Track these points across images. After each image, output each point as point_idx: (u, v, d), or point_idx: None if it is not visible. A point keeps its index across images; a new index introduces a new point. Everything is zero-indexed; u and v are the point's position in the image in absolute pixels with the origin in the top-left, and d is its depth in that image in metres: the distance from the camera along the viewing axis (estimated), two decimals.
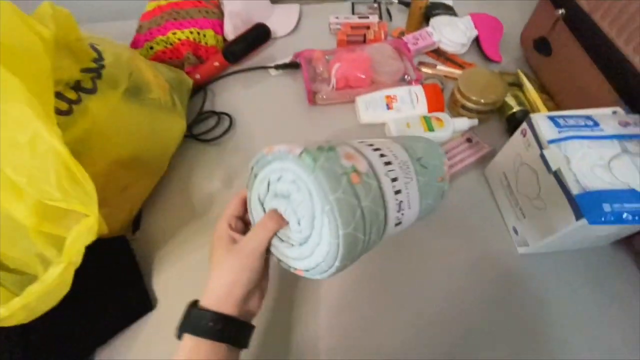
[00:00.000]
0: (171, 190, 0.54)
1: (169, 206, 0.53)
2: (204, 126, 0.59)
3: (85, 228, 0.29)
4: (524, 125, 0.42)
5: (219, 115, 0.60)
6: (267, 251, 0.31)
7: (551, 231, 0.39)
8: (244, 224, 0.35)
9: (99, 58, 0.40)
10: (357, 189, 0.27)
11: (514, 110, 0.56)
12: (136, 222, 0.51)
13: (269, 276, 0.34)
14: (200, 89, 0.63)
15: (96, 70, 0.39)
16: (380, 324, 0.43)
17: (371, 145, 0.33)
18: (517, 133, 0.44)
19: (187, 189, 0.54)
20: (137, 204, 0.49)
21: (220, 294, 0.30)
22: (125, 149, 0.43)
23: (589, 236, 0.40)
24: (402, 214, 0.32)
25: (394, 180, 0.31)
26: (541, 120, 0.40)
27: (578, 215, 0.35)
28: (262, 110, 0.62)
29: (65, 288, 0.32)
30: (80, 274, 0.40)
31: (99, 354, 0.43)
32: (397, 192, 0.31)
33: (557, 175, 0.37)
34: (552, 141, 0.39)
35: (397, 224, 0.32)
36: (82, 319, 0.41)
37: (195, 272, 0.48)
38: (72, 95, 0.38)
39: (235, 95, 0.64)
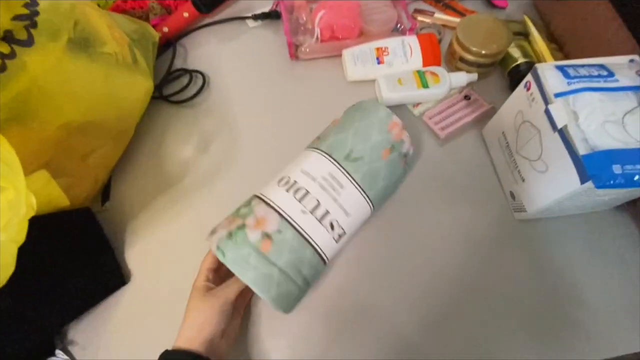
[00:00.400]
0: (142, 158, 0.50)
1: (140, 175, 0.49)
2: (174, 86, 0.54)
3: (5, 203, 0.25)
4: (529, 76, 0.37)
5: (191, 73, 0.54)
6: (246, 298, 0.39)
7: (552, 196, 0.36)
8: (219, 277, 0.38)
9: (32, 2, 0.34)
10: (269, 255, 0.32)
11: (518, 62, 0.50)
12: (105, 193, 0.48)
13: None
14: (169, 44, 0.56)
15: (29, 17, 0.33)
16: (373, 300, 0.41)
17: (285, 181, 0.35)
18: (521, 87, 0.39)
19: (159, 156, 0.50)
20: (102, 173, 0.45)
21: (191, 334, 0.33)
22: (76, 111, 0.38)
23: (592, 201, 0.37)
24: (342, 229, 0.35)
25: (315, 209, 0.34)
26: (548, 70, 0.35)
27: (584, 178, 0.31)
28: (239, 67, 0.56)
29: (8, 268, 0.29)
30: (44, 249, 0.37)
31: (73, 329, 0.41)
32: (323, 216, 0.34)
33: (563, 133, 0.33)
34: (559, 94, 0.34)
35: (338, 239, 0.35)
36: (49, 294, 0.38)
37: (171, 243, 0.45)
38: (3, 48, 0.32)
39: (209, 50, 0.58)
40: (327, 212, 0.34)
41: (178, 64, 0.56)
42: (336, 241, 0.35)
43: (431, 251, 0.42)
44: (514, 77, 0.50)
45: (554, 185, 0.35)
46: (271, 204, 0.34)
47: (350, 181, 0.35)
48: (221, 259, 0.32)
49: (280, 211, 0.34)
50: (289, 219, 0.33)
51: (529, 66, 0.50)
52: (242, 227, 0.33)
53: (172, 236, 0.45)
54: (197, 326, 0.33)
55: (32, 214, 0.27)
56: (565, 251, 0.42)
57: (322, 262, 0.35)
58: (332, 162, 0.36)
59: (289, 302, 0.34)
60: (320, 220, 0.34)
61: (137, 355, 0.39)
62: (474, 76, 0.51)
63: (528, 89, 0.37)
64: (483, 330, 0.39)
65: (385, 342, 0.39)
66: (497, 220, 0.44)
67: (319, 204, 0.34)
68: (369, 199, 0.37)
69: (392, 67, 0.52)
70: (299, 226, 0.33)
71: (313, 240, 0.34)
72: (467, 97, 0.51)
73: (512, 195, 0.43)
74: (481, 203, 0.45)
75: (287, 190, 0.35)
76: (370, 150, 0.37)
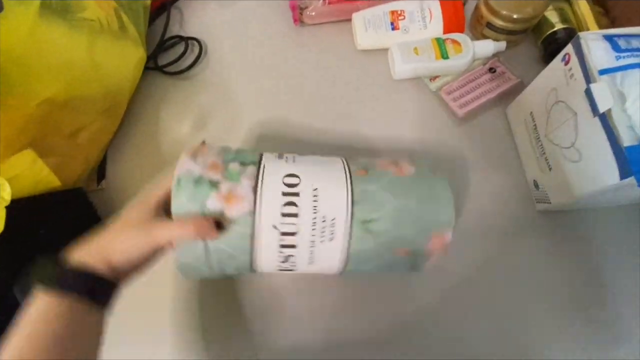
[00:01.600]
0: (137, 134, 0.47)
1: (136, 152, 0.47)
2: (170, 56, 0.50)
3: None
4: (569, 47, 0.32)
5: (187, 41, 0.50)
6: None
7: (583, 189, 0.32)
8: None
9: None
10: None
11: (555, 29, 0.44)
12: (101, 171, 0.46)
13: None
14: (162, 7, 0.51)
15: None
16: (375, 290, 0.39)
17: (291, 182, 0.29)
18: (557, 60, 0.33)
19: (155, 132, 0.47)
20: (94, 151, 0.43)
21: (104, 252, 0.27)
22: (58, 85, 0.35)
23: (627, 196, 0.32)
24: (292, 267, 0.30)
25: (286, 235, 0.28)
26: (594, 41, 0.30)
27: (625, 173, 0.27)
28: (239, 34, 0.51)
29: None
30: (36, 231, 0.36)
31: None
32: (287, 246, 0.28)
33: (605, 119, 0.28)
34: (604, 71, 0.28)
35: (280, 269, 0.31)
36: None
37: None
38: None
39: (207, 15, 0.52)
40: (294, 247, 0.28)
41: (173, 30, 0.51)
42: (278, 269, 0.31)
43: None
44: (549, 46, 0.44)
45: (587, 178, 0.31)
46: (258, 192, 0.28)
47: (344, 244, 0.29)
48: (173, 195, 0.27)
49: (257, 208, 0.28)
50: (257, 221, 0.28)
51: (568, 34, 0.43)
52: (212, 186, 0.28)
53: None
54: (118, 250, 0.27)
55: (4, 203, 0.25)
56: (590, 247, 0.38)
57: (251, 270, 0.31)
58: (347, 212, 0.28)
59: (192, 275, 0.31)
60: (281, 246, 0.28)
61: (137, 340, 0.39)
62: (501, 45, 0.45)
63: (566, 63, 0.32)
64: (494, 327, 0.36)
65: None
66: (516, 211, 0.40)
67: (295, 233, 0.28)
68: (343, 269, 0.30)
69: (408, 33, 0.46)
70: (258, 235, 0.28)
71: (258, 255, 0.29)
72: (492, 70, 0.45)
73: (536, 185, 0.39)
74: (499, 191, 0.41)
75: (283, 195, 0.28)
76: (393, 238, 0.29)
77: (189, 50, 0.50)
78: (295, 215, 0.28)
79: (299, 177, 0.29)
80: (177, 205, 0.27)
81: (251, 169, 0.29)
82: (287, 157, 0.31)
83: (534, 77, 0.38)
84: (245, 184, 0.28)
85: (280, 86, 0.48)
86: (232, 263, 0.29)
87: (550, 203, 0.37)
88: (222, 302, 0.39)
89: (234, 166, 0.29)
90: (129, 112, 0.48)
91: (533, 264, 0.38)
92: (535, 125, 0.37)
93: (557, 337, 0.36)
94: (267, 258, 0.29)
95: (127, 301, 0.30)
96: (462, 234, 0.39)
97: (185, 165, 0.29)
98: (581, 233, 0.39)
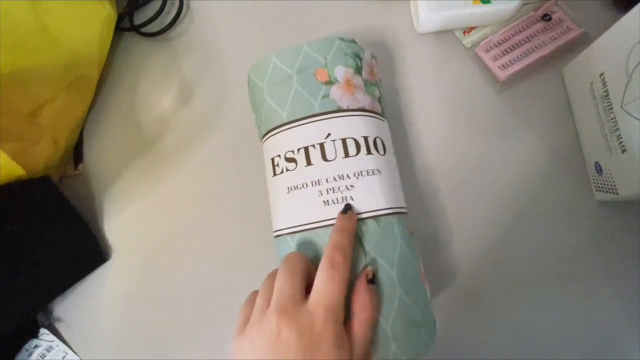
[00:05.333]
0: (116, 110, 0.41)
1: (114, 131, 0.41)
2: (147, 13, 0.42)
3: None
4: None
5: None
6: None
7: None
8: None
9: None
10: None
11: None
12: (77, 154, 0.41)
13: None
14: None
15: None
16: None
17: None
18: None
19: (135, 107, 0.41)
20: (63, 132, 0.37)
21: None
22: (3, 55, 0.28)
23: None
24: None
25: None
26: None
27: None
28: None
29: None
30: (2, 225, 0.32)
31: (59, 307, 0.38)
32: None
33: None
34: None
35: None
36: (18, 274, 0.34)
37: (155, 212, 0.38)
38: None
39: None
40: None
41: None
42: None
43: (485, 224, 0.33)
44: None
45: None
46: None
47: None
48: None
49: None
50: None
51: None
52: None
53: (154, 205, 0.38)
54: None
55: None
56: None
57: None
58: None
59: None
60: None
61: (125, 333, 0.36)
62: None
63: None
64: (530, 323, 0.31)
65: None
66: (569, 199, 0.32)
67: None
68: None
69: None
70: None
71: None
72: (546, 17, 0.35)
73: (598, 169, 0.31)
74: (548, 175, 0.33)
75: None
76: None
77: (168, 5, 0.41)
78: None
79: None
80: None
81: None
82: None
83: (603, 27, 0.28)
84: None
85: (277, 45, 0.39)
86: None
87: (616, 193, 0.29)
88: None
89: None
90: (104, 84, 0.41)
91: (584, 262, 0.31)
92: (606, 91, 0.28)
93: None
94: None
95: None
96: (501, 222, 0.32)
97: None
98: None
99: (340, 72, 0.27)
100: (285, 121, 0.26)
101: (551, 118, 0.34)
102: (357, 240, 0.24)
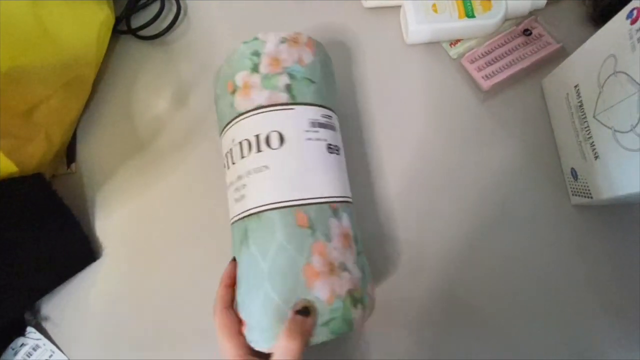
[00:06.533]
0: (110, 111, 0.42)
1: (108, 131, 0.41)
2: (145, 17, 0.42)
3: None
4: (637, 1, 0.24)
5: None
6: None
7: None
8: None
9: None
10: None
11: None
12: (70, 153, 0.41)
13: None
14: None
15: None
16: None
17: None
18: (619, 18, 0.26)
19: (130, 108, 0.41)
20: (57, 131, 0.37)
21: None
22: (2, 53, 0.29)
23: None
24: None
25: None
26: None
27: None
28: None
29: None
30: None
31: (46, 305, 0.37)
32: None
33: None
34: None
35: None
36: (6, 271, 0.34)
37: (147, 212, 0.39)
38: None
39: None
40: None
41: None
42: None
43: (464, 229, 0.34)
44: (600, 3, 0.36)
45: None
46: None
47: None
48: None
49: None
50: None
51: None
52: None
53: (146, 205, 0.39)
54: None
55: None
56: (636, 252, 0.32)
57: None
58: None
59: None
60: None
61: (113, 333, 0.36)
62: (540, 1, 0.36)
63: (634, 21, 0.24)
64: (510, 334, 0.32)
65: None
66: (546, 203, 0.34)
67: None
68: None
69: None
70: None
71: None
72: (526, 32, 0.37)
73: (574, 174, 0.32)
74: (527, 180, 0.34)
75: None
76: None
77: (165, 10, 0.42)
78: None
79: None
80: None
81: None
82: None
83: (578, 41, 0.30)
84: None
85: None
86: None
87: (591, 198, 0.31)
88: None
89: None
90: (99, 85, 0.42)
91: (562, 265, 0.32)
92: (581, 102, 0.30)
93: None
94: None
95: None
96: (481, 227, 0.34)
97: None
98: (625, 234, 0.33)
99: (239, 77, 0.28)
100: (219, 130, 0.30)
101: (531, 126, 0.36)
102: (245, 238, 0.26)
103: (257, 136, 0.26)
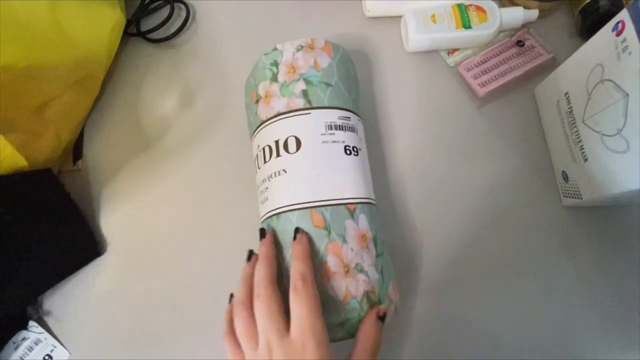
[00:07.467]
0: (117, 110, 0.43)
1: (115, 130, 0.42)
2: (155, 20, 0.44)
3: None
4: (623, 14, 0.26)
5: (172, 3, 0.44)
6: None
7: (627, 185, 0.27)
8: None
9: None
10: None
11: None
12: (77, 150, 0.41)
13: None
14: None
15: None
16: None
17: None
18: (606, 30, 0.28)
19: (137, 108, 0.43)
20: (66, 128, 0.38)
21: None
22: (15, 52, 0.30)
23: None
24: None
25: None
26: None
27: None
28: None
29: None
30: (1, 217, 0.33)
31: (49, 300, 0.38)
32: None
33: None
34: None
35: None
36: (11, 264, 0.34)
37: (151, 210, 0.39)
38: None
39: None
40: None
41: None
42: None
43: (458, 229, 0.35)
44: (589, 17, 0.38)
45: (633, 172, 0.26)
46: None
47: None
48: None
49: None
50: None
51: (613, 3, 0.37)
52: None
53: (151, 203, 0.39)
54: None
55: None
56: (629, 254, 0.34)
57: None
58: None
59: None
60: None
61: (115, 328, 0.36)
62: (533, 14, 0.39)
63: (619, 33, 0.26)
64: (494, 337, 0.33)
65: None
66: (539, 205, 0.35)
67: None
68: None
69: None
70: None
71: None
72: (519, 43, 0.39)
73: (565, 176, 0.34)
74: (521, 182, 0.36)
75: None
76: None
77: (174, 14, 0.44)
78: None
79: None
80: None
81: None
82: None
83: (568, 52, 0.32)
84: None
85: None
86: None
87: (581, 198, 0.32)
88: None
89: None
90: (108, 85, 0.43)
91: (555, 264, 0.34)
92: (570, 108, 0.32)
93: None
94: None
95: None
96: (475, 228, 0.35)
97: None
98: (614, 234, 0.34)
99: (261, 87, 0.30)
100: (250, 137, 0.33)
101: (524, 131, 0.37)
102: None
103: (277, 142, 0.28)
